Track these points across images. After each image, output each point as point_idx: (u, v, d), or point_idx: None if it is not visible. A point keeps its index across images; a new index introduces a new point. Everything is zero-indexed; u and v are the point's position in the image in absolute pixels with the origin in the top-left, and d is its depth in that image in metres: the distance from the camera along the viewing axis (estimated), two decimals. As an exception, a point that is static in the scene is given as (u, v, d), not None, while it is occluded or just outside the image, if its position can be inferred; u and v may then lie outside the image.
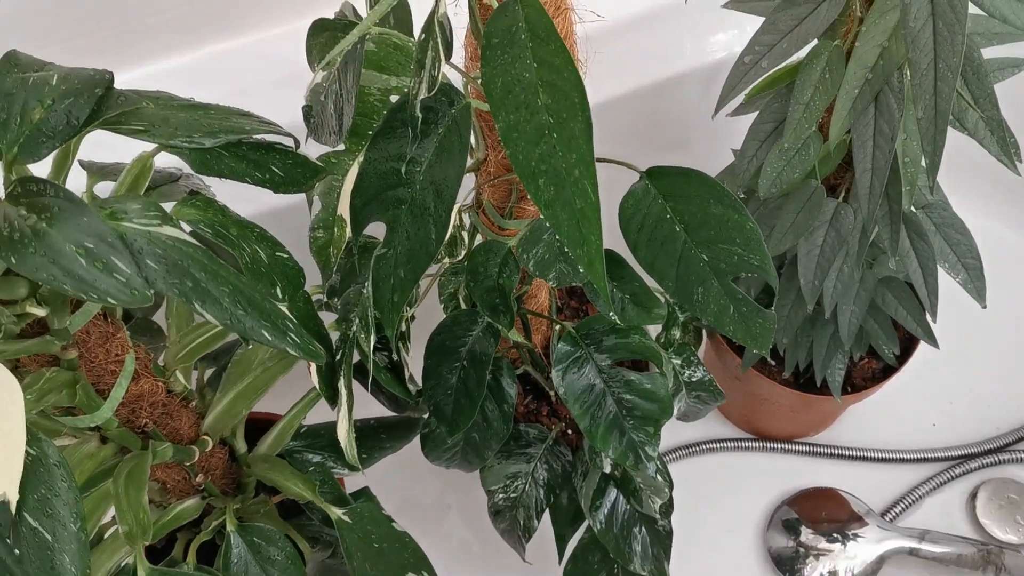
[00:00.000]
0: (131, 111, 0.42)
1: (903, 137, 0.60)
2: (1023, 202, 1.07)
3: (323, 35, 0.52)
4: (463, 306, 0.70)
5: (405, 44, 0.54)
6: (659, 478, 0.75)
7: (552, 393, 0.84)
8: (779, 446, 0.96)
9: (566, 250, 0.54)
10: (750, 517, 0.94)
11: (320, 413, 0.73)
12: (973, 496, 0.93)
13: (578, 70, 0.42)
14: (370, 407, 0.79)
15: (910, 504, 0.92)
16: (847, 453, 0.95)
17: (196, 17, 0.81)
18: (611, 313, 0.59)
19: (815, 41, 0.57)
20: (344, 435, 0.59)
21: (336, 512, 0.62)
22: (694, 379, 0.79)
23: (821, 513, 0.91)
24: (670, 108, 0.87)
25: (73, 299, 0.44)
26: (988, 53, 0.71)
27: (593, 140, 0.43)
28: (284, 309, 0.40)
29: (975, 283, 0.68)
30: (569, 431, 0.83)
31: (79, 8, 0.76)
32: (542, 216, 0.58)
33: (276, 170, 0.47)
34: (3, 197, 0.36)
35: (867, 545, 0.88)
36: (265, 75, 0.78)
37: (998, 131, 0.56)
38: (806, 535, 0.91)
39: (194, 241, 0.37)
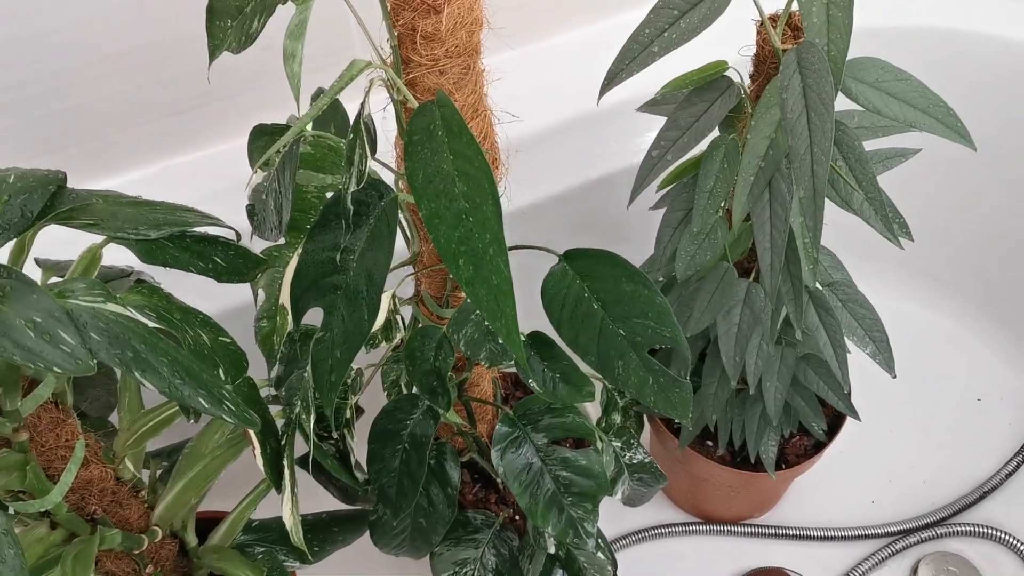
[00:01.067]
0: (82, 207, 0.46)
1: (800, 219, 0.65)
2: (937, 285, 1.13)
3: (262, 139, 0.57)
4: (404, 392, 0.73)
5: (338, 145, 0.59)
6: (601, 555, 0.77)
7: (499, 480, 0.86)
8: (725, 528, 0.98)
9: (486, 324, 0.58)
10: (701, 601, 0.95)
11: (269, 509, 0.75)
12: (915, 571, 0.96)
13: (487, 160, 0.47)
14: (321, 502, 0.81)
15: (855, 581, 0.95)
16: (791, 533, 0.98)
17: (154, 136, 0.86)
18: (531, 382, 0.63)
19: (715, 134, 0.63)
20: (288, 518, 0.62)
21: (285, 606, 0.64)
22: (635, 461, 0.83)
23: (769, 592, 0.93)
24: (602, 206, 0.93)
25: (25, 382, 0.47)
26: (878, 144, 0.78)
27: (502, 223, 0.48)
28: (220, 380, 0.43)
29: (883, 354, 0.73)
30: (516, 516, 0.85)
31: (45, 126, 0.81)
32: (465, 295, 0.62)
33: (219, 260, 0.51)
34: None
35: (814, 622, 0.90)
36: (216, 185, 0.83)
37: (880, 210, 0.62)
38: (756, 615, 0.92)
39: (136, 316, 0.40)
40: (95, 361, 0.38)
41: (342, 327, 0.54)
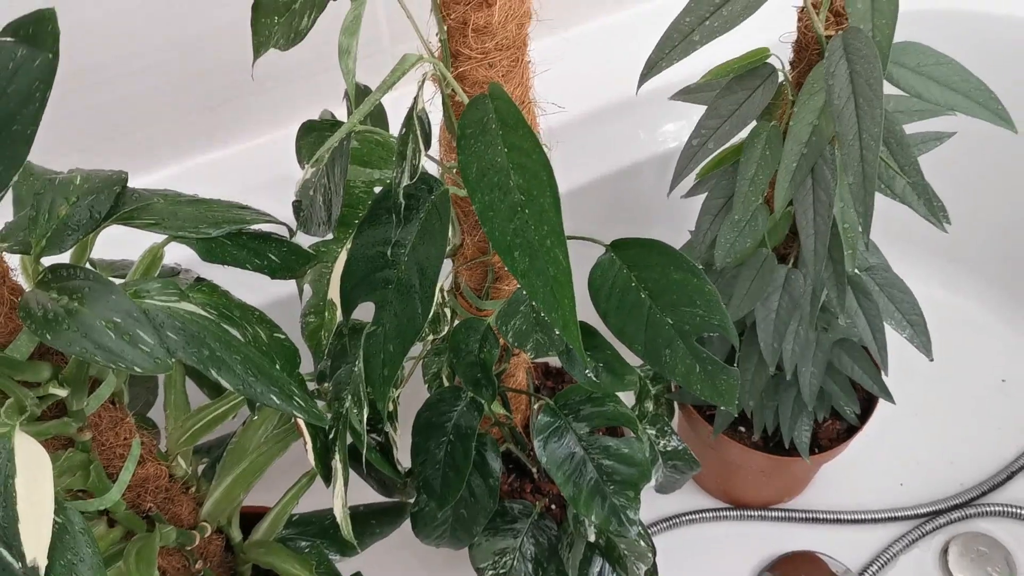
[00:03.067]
0: (143, 207, 0.46)
1: (840, 205, 0.66)
2: (961, 268, 1.14)
3: (311, 135, 0.57)
4: (446, 384, 0.74)
5: (386, 140, 0.59)
6: (642, 543, 0.78)
7: (535, 470, 0.87)
8: (756, 513, 0.99)
9: (543, 315, 0.59)
10: (733, 585, 0.96)
11: (311, 502, 0.76)
12: (945, 551, 0.97)
13: (544, 152, 0.47)
14: (360, 494, 0.82)
15: (885, 563, 0.95)
16: (821, 516, 0.98)
17: (185, 132, 0.86)
18: (587, 371, 0.63)
19: (754, 123, 0.64)
20: (340, 511, 0.62)
21: (333, 595, 0.65)
22: (669, 448, 0.83)
23: (800, 574, 0.94)
24: (630, 193, 0.94)
25: (90, 382, 0.47)
26: (913, 128, 0.78)
27: (561, 213, 0.48)
28: (287, 377, 0.44)
29: (920, 338, 0.73)
30: (553, 506, 0.85)
31: (77, 123, 0.81)
32: (519, 288, 0.62)
33: (273, 257, 0.51)
34: (31, 287, 0.40)
35: (848, 604, 0.91)
36: (251, 180, 0.83)
37: (924, 194, 0.62)
38: (789, 599, 0.93)
39: (208, 315, 0.41)
40: (173, 360, 0.38)
41: (395, 321, 0.54)
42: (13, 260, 0.41)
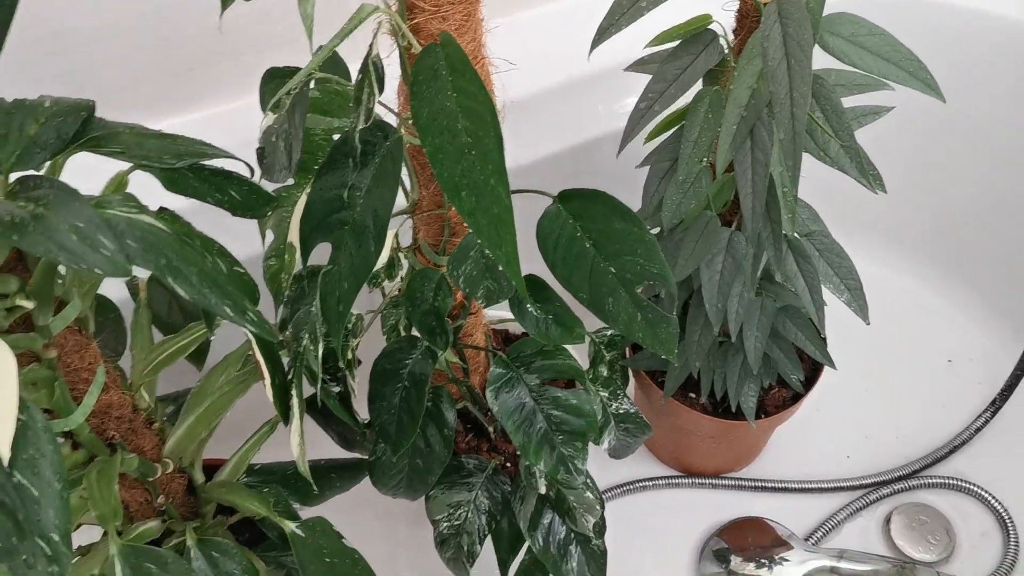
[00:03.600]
0: (110, 135, 0.49)
1: (779, 169, 0.69)
2: (909, 251, 1.18)
3: (274, 81, 0.60)
4: (404, 335, 0.77)
5: (344, 90, 0.63)
6: (589, 494, 0.81)
7: (491, 429, 0.90)
8: (707, 481, 1.02)
9: (487, 253, 0.62)
10: (683, 549, 0.99)
11: (271, 454, 0.79)
12: (887, 520, 1.00)
13: (490, 97, 0.50)
14: (321, 450, 0.84)
15: (830, 529, 0.99)
16: (770, 485, 1.02)
17: (154, 97, 0.89)
18: (528, 306, 0.66)
19: (699, 87, 0.67)
20: (296, 447, 0.65)
21: (290, 526, 0.67)
22: (621, 411, 0.86)
23: (748, 540, 0.97)
24: (589, 166, 0.97)
25: (56, 300, 0.50)
26: (853, 101, 0.82)
27: (504, 154, 0.51)
28: (241, 294, 0.47)
29: (857, 302, 0.77)
30: (508, 464, 0.88)
31: (53, 88, 0.84)
32: (468, 234, 0.65)
33: (234, 194, 0.54)
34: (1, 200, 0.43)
35: (791, 567, 0.94)
36: (224, 143, 0.86)
37: (856, 158, 0.65)
38: (735, 562, 0.96)
39: (166, 228, 0.44)
40: (131, 266, 0.41)
41: (350, 260, 0.58)
42: (-16, 176, 0.44)
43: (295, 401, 0.63)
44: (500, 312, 0.89)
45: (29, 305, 0.47)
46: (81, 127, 0.47)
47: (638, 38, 0.73)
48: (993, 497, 1.00)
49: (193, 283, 0.44)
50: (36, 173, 0.42)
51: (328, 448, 0.84)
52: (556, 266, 0.63)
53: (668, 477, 1.03)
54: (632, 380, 1.00)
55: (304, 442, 0.66)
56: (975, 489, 1.01)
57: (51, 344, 0.50)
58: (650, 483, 1.03)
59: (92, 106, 0.48)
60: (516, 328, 0.97)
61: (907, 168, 1.10)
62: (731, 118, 0.64)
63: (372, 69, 0.53)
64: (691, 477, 1.03)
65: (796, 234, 0.75)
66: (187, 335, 0.62)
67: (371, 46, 0.53)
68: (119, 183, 0.52)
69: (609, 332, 0.88)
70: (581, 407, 0.72)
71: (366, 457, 0.84)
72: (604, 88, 0.95)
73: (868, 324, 0.77)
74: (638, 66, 0.76)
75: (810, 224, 0.77)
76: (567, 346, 0.73)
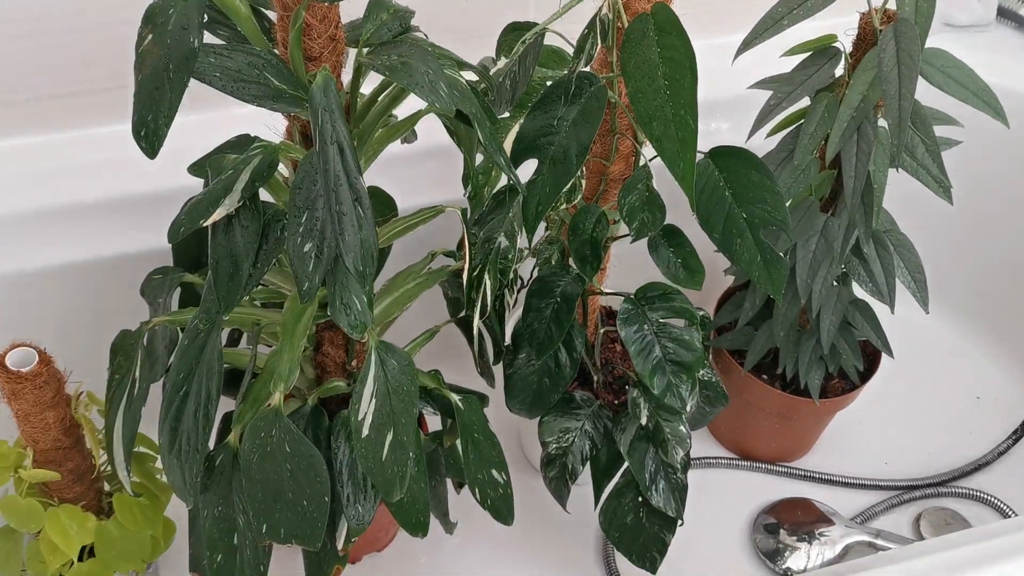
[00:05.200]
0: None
1: (873, 168, 0.87)
2: (939, 296, 1.34)
3: (512, 33, 0.78)
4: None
5: (559, 49, 0.81)
6: (682, 428, 0.96)
7: (596, 378, 1.05)
8: (762, 466, 1.17)
9: (651, 187, 0.78)
10: (737, 521, 1.13)
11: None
12: (917, 519, 1.14)
13: (692, 49, 0.68)
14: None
15: (867, 519, 1.13)
16: (817, 476, 1.16)
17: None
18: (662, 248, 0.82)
19: (817, 92, 0.86)
20: (476, 325, 0.81)
21: (454, 397, 0.83)
22: (704, 379, 1.02)
23: (797, 515, 1.11)
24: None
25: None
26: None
27: (697, 95, 0.68)
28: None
29: (921, 294, 0.94)
30: (608, 409, 1.03)
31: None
32: (639, 168, 0.82)
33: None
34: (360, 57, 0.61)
35: (834, 540, 1.08)
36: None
37: (937, 160, 0.83)
38: (784, 534, 1.10)
39: (473, 90, 0.61)
40: (455, 109, 0.59)
41: (552, 172, 0.75)
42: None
43: (487, 287, 0.79)
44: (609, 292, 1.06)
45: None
46: (402, 28, 0.65)
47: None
48: (1012, 511, 1.14)
49: (487, 133, 0.61)
50: (391, 40, 0.60)
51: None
52: (700, 207, 0.79)
53: (728, 458, 1.18)
54: (711, 355, 1.16)
55: (484, 328, 0.82)
56: (995, 501, 1.15)
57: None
58: (712, 460, 1.17)
59: (412, 14, 0.66)
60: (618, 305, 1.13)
61: (949, 226, 1.28)
62: (843, 117, 0.83)
63: (599, 24, 0.72)
64: (748, 460, 1.17)
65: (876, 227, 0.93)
66: (404, 221, 0.79)
67: (599, 9, 0.72)
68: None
69: (700, 313, 1.05)
70: (692, 343, 0.88)
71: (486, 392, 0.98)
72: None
73: (927, 314, 0.93)
74: (760, 86, 0.95)
75: (887, 225, 0.94)
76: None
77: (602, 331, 1.04)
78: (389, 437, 0.68)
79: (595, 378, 1.05)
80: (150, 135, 0.51)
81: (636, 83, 0.70)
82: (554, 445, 0.97)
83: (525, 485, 1.13)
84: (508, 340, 0.99)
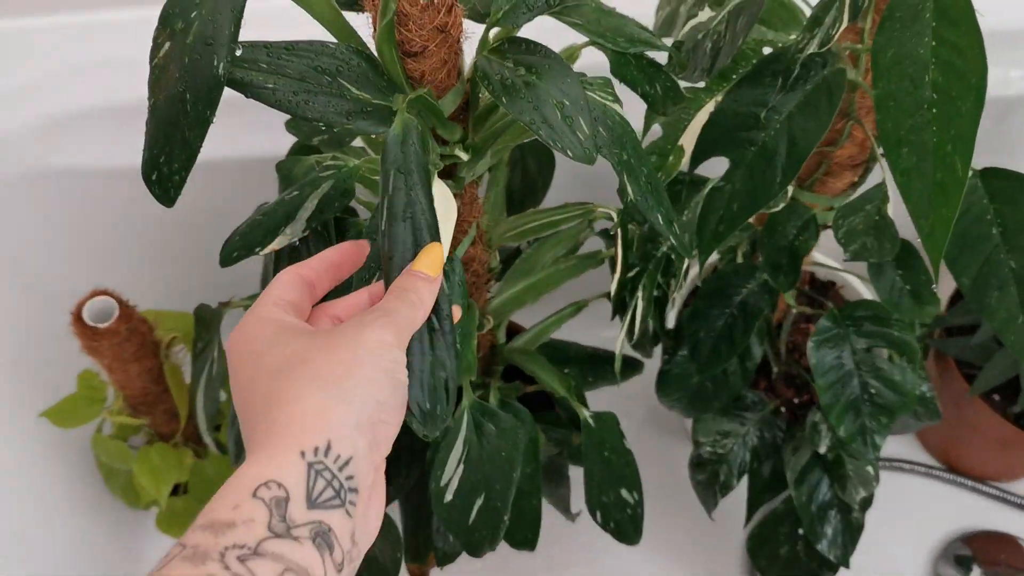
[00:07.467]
0: (575, 6, 0.48)
1: None
2: None
3: (723, -22, 0.57)
4: (742, 261, 0.74)
5: (791, 3, 0.59)
6: (869, 469, 0.78)
7: (775, 370, 0.87)
8: (968, 483, 0.97)
9: (887, 218, 0.57)
10: (923, 542, 0.95)
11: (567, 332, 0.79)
12: None
13: (985, 55, 0.45)
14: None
15: (1091, 574, 0.92)
16: (1035, 507, 0.95)
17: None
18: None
19: None
20: (619, 342, 0.65)
21: (584, 413, 0.68)
22: (918, 392, 0.81)
23: (1000, 556, 0.92)
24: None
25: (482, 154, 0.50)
26: None
27: (977, 125, 0.46)
28: (671, 208, 0.45)
29: None
30: (783, 408, 0.86)
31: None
32: (873, 188, 0.60)
33: (658, 88, 0.52)
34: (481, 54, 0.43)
35: (1040, 599, 0.89)
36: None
37: None
38: (977, 573, 0.91)
39: (630, 124, 0.42)
40: (596, 155, 0.40)
41: (747, 183, 0.55)
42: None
43: (640, 299, 0.63)
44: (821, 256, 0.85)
45: (464, 157, 0.47)
46: (557, -6, 0.45)
47: None
48: None
49: (640, 184, 0.43)
50: (523, 36, 0.42)
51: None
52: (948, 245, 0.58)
53: (928, 466, 0.98)
54: (931, 357, 0.94)
55: (627, 343, 0.66)
56: None
57: (459, 194, 0.51)
58: (907, 466, 0.98)
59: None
60: (823, 274, 0.92)
61: None
62: None
63: (849, -6, 0.49)
64: (953, 474, 0.97)
65: None
66: (546, 216, 0.63)
67: (853, -32, 0.49)
68: (570, 56, 0.51)
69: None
70: (903, 385, 0.69)
71: (643, 358, 0.83)
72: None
73: None
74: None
75: None
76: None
77: (794, 311, 0.85)
78: (479, 503, 0.55)
79: (774, 369, 0.87)
80: (163, 181, 0.37)
81: (889, 84, 0.48)
82: (708, 448, 0.81)
83: (678, 456, 0.98)
84: (671, 323, 0.82)
